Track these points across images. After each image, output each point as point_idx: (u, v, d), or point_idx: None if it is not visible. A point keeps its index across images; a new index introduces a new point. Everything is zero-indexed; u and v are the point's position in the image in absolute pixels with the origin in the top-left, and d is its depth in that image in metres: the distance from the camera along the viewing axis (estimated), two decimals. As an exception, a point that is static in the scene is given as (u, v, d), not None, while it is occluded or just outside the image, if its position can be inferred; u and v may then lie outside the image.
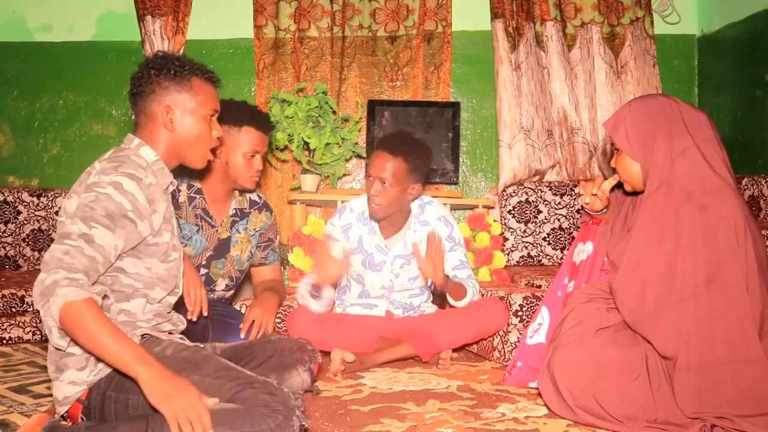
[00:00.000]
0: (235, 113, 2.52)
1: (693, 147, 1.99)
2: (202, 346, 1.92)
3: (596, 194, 2.23)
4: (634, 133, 2.05)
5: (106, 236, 1.61)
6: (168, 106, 1.79)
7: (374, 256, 2.81)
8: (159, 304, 1.82)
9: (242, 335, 2.48)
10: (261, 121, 2.61)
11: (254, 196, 2.78)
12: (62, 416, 1.75)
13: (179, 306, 2.02)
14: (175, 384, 1.48)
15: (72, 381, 1.70)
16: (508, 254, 3.78)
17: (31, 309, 3.24)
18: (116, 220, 1.63)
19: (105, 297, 1.68)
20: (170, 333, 1.87)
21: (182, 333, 1.96)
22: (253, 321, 2.52)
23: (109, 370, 1.69)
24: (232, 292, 2.78)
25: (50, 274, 1.50)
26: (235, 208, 2.71)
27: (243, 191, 2.72)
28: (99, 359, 1.61)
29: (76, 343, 1.64)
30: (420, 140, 2.77)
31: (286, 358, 1.96)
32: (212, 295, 2.72)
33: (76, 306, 1.47)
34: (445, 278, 2.61)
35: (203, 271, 2.65)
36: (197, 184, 2.63)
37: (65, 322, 1.48)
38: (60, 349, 1.60)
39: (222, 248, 2.67)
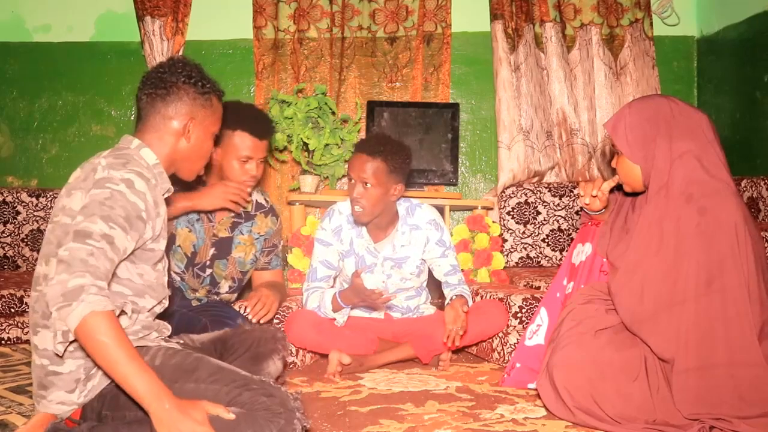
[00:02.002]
0: (232, 116, 2.44)
1: (693, 149, 1.99)
2: (182, 342, 1.90)
3: (596, 195, 2.23)
4: (634, 135, 2.05)
5: (122, 238, 1.57)
6: (192, 117, 1.79)
7: (365, 258, 2.81)
8: (148, 314, 1.78)
9: (248, 310, 2.50)
10: (256, 125, 2.54)
11: (261, 200, 2.76)
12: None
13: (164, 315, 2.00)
14: (184, 420, 1.45)
15: (61, 401, 1.66)
16: (507, 255, 3.78)
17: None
18: (132, 222, 1.60)
19: (122, 313, 1.65)
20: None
21: (181, 333, 1.95)
22: (257, 303, 2.52)
23: (99, 389, 1.66)
24: (236, 295, 2.76)
25: (74, 277, 1.44)
26: None
27: None
28: (103, 371, 1.56)
29: (78, 381, 1.62)
30: (398, 141, 2.74)
31: (262, 348, 2.00)
32: (217, 298, 2.71)
33: (99, 318, 1.42)
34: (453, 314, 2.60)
35: (208, 271, 2.64)
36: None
37: (82, 333, 1.42)
38: (57, 355, 1.54)
39: (223, 248, 2.66)
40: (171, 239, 2.57)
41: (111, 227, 1.55)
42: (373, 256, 2.81)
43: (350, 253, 2.82)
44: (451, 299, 2.69)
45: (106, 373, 1.52)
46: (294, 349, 2.73)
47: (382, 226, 2.80)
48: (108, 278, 1.52)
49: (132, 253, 1.67)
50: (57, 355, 1.54)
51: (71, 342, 1.49)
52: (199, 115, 1.80)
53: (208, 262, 2.64)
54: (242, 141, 2.52)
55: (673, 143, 2.00)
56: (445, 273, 2.82)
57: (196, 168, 1.88)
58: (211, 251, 2.64)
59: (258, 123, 2.57)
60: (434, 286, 3.53)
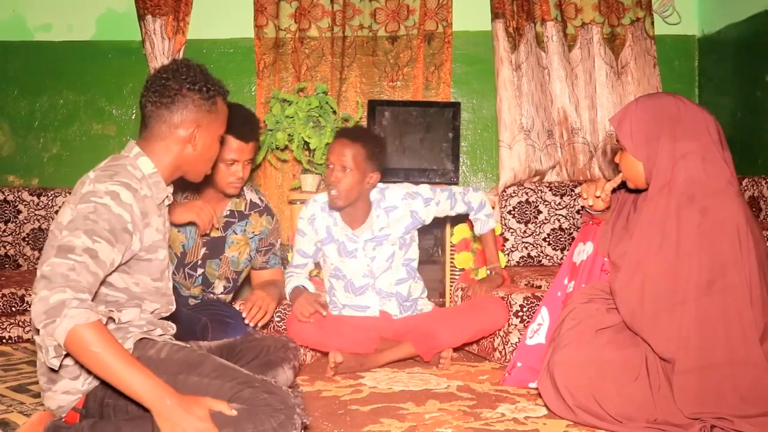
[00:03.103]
0: None
1: (696, 149, 1.99)
2: (188, 345, 1.90)
3: (599, 196, 2.23)
4: (639, 132, 2.05)
5: (107, 251, 1.56)
6: (198, 124, 1.77)
7: (345, 244, 2.84)
8: (151, 315, 1.79)
9: (244, 314, 2.47)
10: (242, 128, 2.49)
11: (255, 199, 2.74)
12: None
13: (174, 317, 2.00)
14: (186, 417, 1.46)
15: (66, 391, 1.68)
16: (508, 255, 3.78)
17: (31, 309, 3.23)
18: (117, 234, 1.59)
19: (110, 319, 1.65)
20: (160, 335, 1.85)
21: (182, 333, 1.95)
22: (252, 307, 2.50)
23: None
24: (231, 295, 2.76)
25: (55, 292, 1.44)
26: (231, 210, 2.69)
27: (230, 196, 2.64)
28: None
29: (82, 368, 1.62)
30: (376, 132, 2.90)
31: (272, 356, 1.97)
32: (213, 297, 2.71)
33: (86, 329, 1.42)
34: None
35: (200, 270, 2.64)
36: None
37: (73, 346, 1.43)
38: (52, 369, 1.54)
39: (216, 248, 2.65)
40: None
41: (95, 241, 1.54)
42: (353, 241, 2.84)
43: (329, 240, 2.85)
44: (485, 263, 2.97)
45: (104, 382, 1.52)
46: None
47: (357, 217, 2.83)
48: (92, 291, 1.51)
49: (126, 263, 1.67)
50: (52, 369, 1.53)
51: (65, 356, 1.49)
52: (204, 122, 1.78)
53: (199, 262, 2.63)
54: (228, 144, 2.46)
55: (677, 143, 2.00)
56: (452, 209, 2.93)
57: (203, 170, 1.88)
58: (203, 251, 2.63)
59: (244, 126, 2.52)
60: (433, 285, 3.54)
